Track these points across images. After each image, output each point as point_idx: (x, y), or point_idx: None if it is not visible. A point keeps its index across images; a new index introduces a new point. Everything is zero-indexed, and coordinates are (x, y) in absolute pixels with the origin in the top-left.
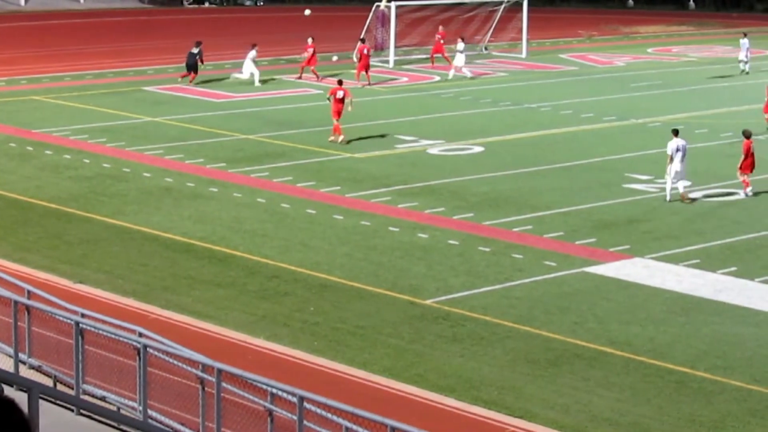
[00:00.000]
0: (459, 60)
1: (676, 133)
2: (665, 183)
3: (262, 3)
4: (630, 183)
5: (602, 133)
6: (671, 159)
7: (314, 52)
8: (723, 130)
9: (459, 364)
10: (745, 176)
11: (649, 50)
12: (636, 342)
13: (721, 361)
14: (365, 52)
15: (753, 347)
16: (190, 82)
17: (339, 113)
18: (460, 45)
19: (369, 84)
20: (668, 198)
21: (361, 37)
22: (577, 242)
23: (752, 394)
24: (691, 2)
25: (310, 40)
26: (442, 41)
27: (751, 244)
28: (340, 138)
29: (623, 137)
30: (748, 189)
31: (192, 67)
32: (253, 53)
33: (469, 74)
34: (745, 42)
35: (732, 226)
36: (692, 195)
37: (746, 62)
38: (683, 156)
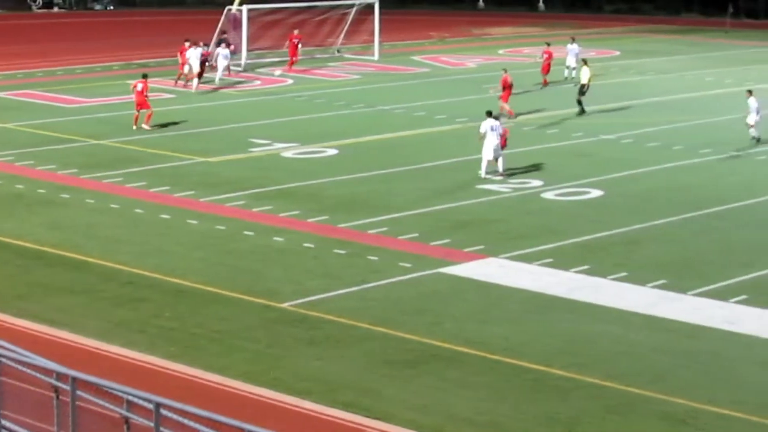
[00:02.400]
0: (221, 64)
1: (489, 114)
2: (481, 159)
3: (111, 7)
4: (484, 184)
5: (456, 134)
6: (484, 136)
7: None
8: (574, 130)
9: (316, 366)
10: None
11: (501, 51)
12: (492, 341)
13: (576, 358)
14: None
15: (606, 344)
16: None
17: (139, 105)
18: (224, 50)
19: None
20: (483, 174)
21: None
22: (432, 243)
23: (607, 391)
24: (541, 3)
25: (187, 44)
26: (298, 43)
27: (603, 242)
28: (138, 125)
29: (477, 138)
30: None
31: (201, 65)
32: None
33: (217, 81)
34: (573, 47)
35: (585, 225)
36: (545, 195)
37: (574, 68)
38: (498, 135)
